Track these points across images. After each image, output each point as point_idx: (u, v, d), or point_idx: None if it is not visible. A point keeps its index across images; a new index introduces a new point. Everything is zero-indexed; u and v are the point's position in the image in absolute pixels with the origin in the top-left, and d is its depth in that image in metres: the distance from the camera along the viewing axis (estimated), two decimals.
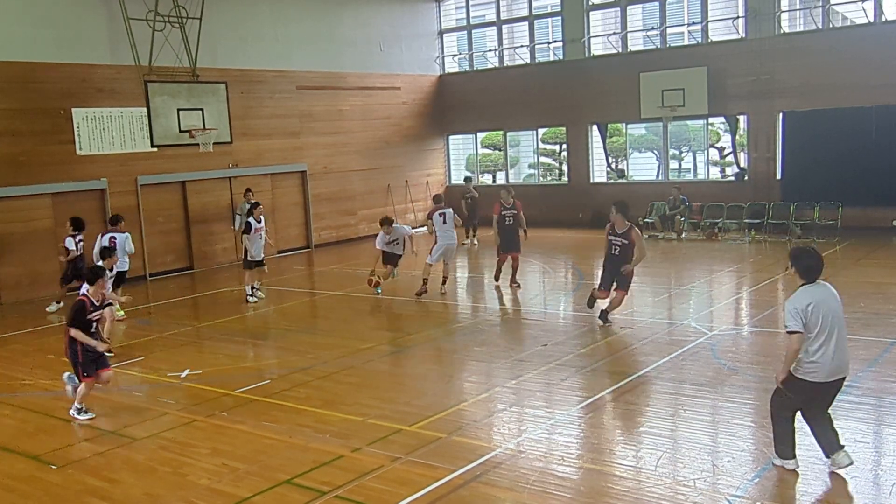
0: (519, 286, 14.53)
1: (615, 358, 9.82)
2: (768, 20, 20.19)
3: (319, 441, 7.47)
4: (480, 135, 26.57)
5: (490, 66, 25.56)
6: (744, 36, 20.64)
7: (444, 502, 6.12)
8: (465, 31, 26.01)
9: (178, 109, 17.05)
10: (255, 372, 10.11)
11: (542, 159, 27.03)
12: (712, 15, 21.39)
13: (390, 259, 14.62)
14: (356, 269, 17.62)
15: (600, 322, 11.36)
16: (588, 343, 10.60)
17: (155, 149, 17.54)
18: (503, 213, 14.48)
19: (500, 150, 26.81)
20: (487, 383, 9.28)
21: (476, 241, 20.44)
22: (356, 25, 23.13)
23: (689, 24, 22.84)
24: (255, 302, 14.47)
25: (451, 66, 26.32)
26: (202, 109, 17.47)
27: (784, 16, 20.80)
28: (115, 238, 13.46)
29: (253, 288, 14.69)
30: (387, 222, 14.34)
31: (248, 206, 18.42)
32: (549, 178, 26.77)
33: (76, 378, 8.68)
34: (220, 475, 6.87)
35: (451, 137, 26.75)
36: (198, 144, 17.41)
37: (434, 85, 25.99)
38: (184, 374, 9.89)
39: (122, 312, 13.52)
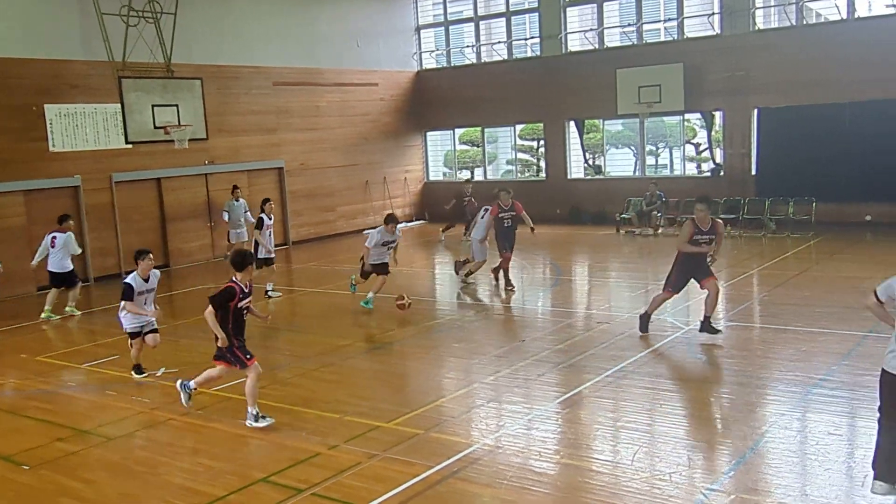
0: (497, 281, 14.53)
1: (592, 353, 9.85)
2: (743, 17, 20.34)
3: (296, 439, 7.43)
4: (458, 131, 26.57)
5: (467, 62, 25.56)
6: (719, 32, 20.79)
7: (422, 499, 6.11)
8: (443, 27, 25.98)
9: (153, 105, 16.84)
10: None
11: (520, 155, 27.07)
12: (688, 11, 21.50)
13: (377, 269, 13.31)
14: (334, 266, 17.56)
15: (707, 333, 10.12)
16: (565, 339, 10.63)
17: (129, 145, 17.37)
18: (500, 214, 14.07)
19: (477, 146, 26.81)
20: (465, 379, 9.27)
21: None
22: (332, 21, 23.01)
23: (665, 21, 22.97)
24: (275, 298, 14.44)
25: (429, 63, 26.28)
26: (177, 106, 17.26)
27: (759, 13, 20.98)
28: (55, 237, 13.32)
29: (266, 290, 14.43)
30: (393, 220, 13.01)
31: (235, 204, 18.33)
32: (526, 175, 26.82)
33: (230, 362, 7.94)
34: (195, 474, 6.82)
35: (428, 134, 26.72)
36: (173, 141, 17.25)
37: (411, 81, 25.93)
38: (159, 373, 9.80)
39: (74, 310, 13.80)
